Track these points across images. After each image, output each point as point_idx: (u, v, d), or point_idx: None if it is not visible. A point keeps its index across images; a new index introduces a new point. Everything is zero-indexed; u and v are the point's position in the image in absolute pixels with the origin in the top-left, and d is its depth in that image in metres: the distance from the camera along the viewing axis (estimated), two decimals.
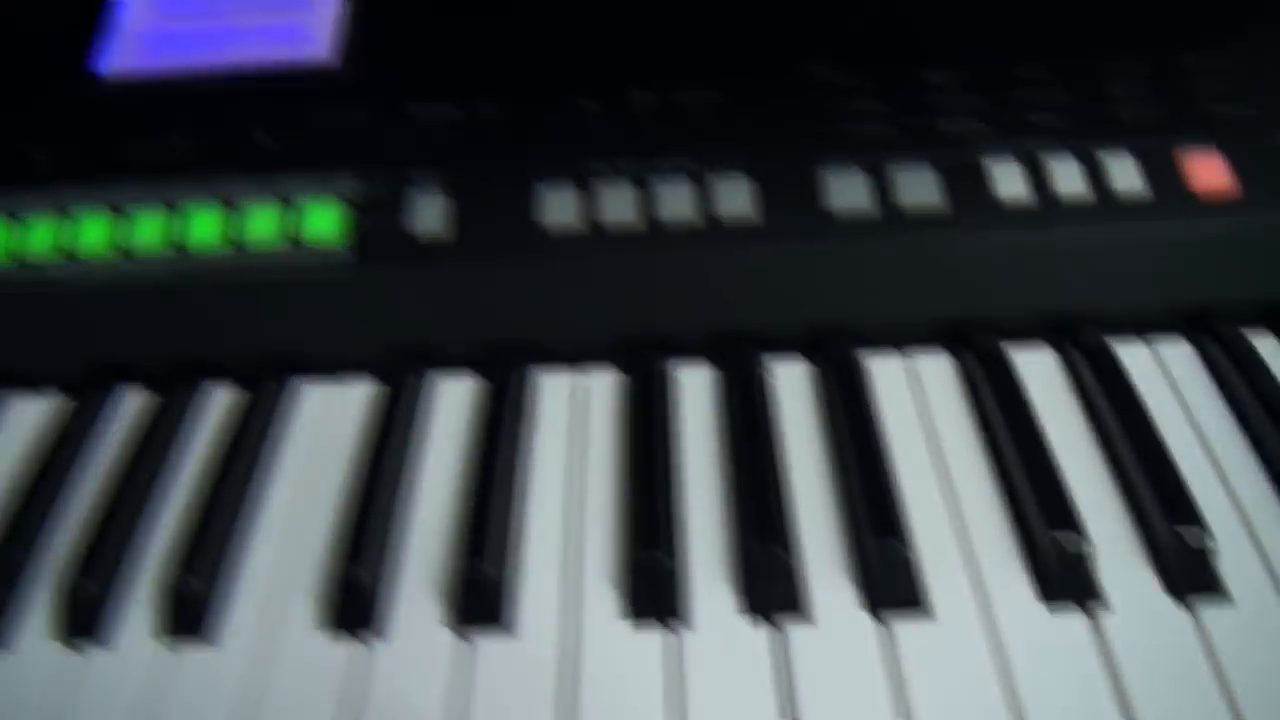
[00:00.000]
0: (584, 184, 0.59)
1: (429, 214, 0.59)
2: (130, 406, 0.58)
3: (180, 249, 0.60)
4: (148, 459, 0.55)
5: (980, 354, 0.55)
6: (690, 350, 0.57)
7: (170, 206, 0.61)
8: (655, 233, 0.58)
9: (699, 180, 0.59)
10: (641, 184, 0.59)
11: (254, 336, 0.59)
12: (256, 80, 0.68)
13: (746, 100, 0.62)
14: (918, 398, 0.55)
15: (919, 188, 0.58)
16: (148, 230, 0.60)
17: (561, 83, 0.63)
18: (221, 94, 0.66)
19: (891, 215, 0.57)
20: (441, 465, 0.54)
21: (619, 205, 0.58)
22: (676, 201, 0.58)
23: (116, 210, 0.61)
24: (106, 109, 0.65)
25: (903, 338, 0.57)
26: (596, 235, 0.58)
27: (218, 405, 0.58)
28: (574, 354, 0.58)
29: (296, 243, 0.59)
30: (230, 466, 0.53)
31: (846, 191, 0.58)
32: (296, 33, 0.71)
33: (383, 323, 0.58)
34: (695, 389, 0.56)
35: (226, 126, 0.64)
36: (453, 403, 0.57)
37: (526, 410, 0.55)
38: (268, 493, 0.53)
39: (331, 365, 0.59)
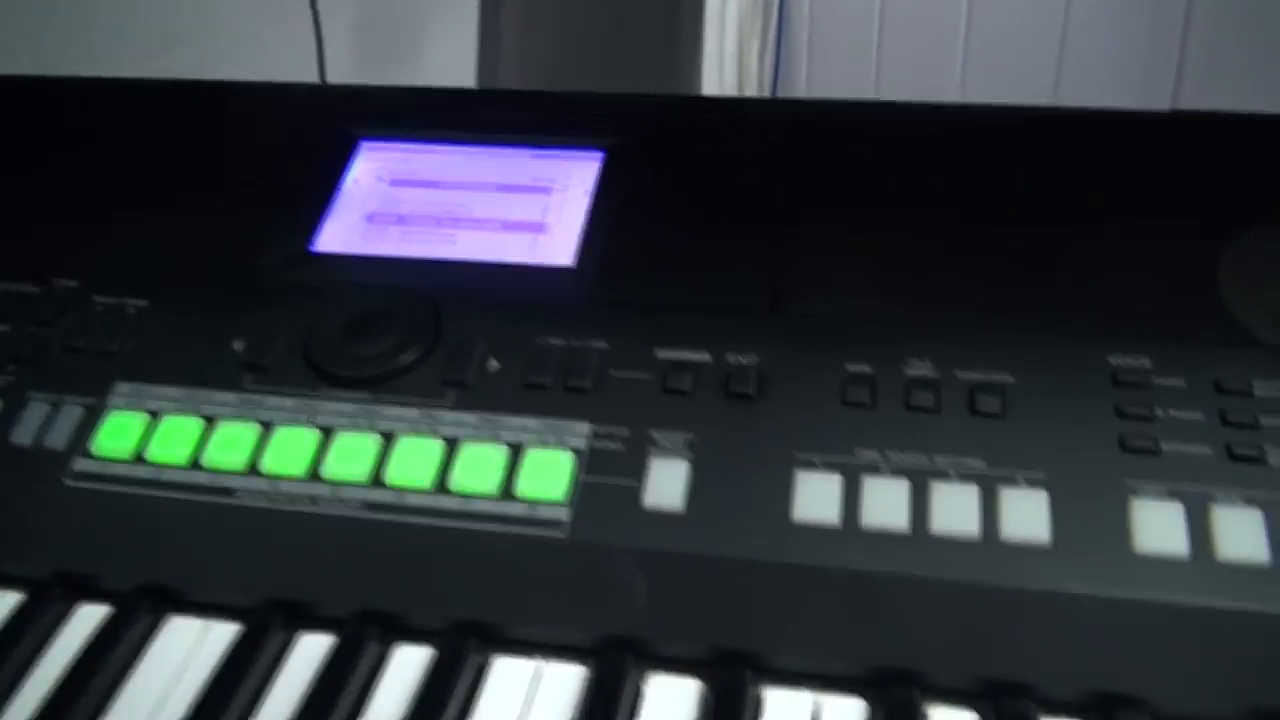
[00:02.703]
0: (852, 476, 0.51)
1: (665, 481, 0.51)
2: (302, 653, 0.51)
3: (380, 483, 0.53)
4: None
5: None
6: (945, 695, 0.48)
7: (379, 431, 0.55)
8: (923, 542, 0.49)
9: (986, 487, 0.50)
10: (915, 482, 0.50)
11: (450, 595, 0.51)
12: (486, 279, 0.62)
13: (1042, 388, 0.53)
14: None
15: (1241, 535, 0.48)
16: (349, 456, 0.54)
17: (832, 339, 0.55)
18: (448, 293, 0.59)
19: (1206, 566, 0.48)
20: None
21: (888, 506, 0.50)
22: (955, 508, 0.50)
23: (318, 425, 0.55)
24: (321, 303, 0.59)
25: None
26: (853, 537, 0.49)
27: (402, 664, 0.51)
28: (807, 677, 0.49)
29: (510, 495, 0.52)
30: None
31: (1157, 527, 0.49)
32: (536, 229, 0.65)
33: (596, 603, 0.50)
34: None
35: (452, 339, 0.57)
36: (665, 708, 0.49)
37: None
38: None
39: (533, 645, 0.51)
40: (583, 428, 0.54)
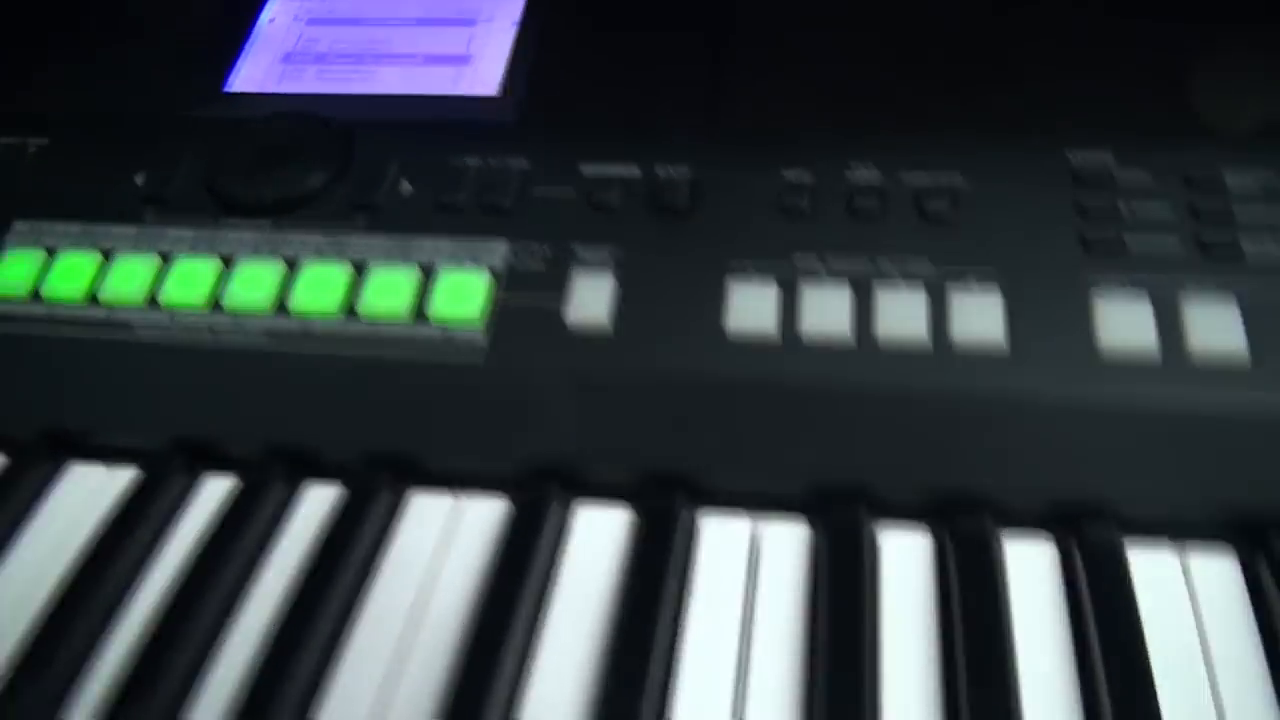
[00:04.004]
0: (787, 283, 0.47)
1: (589, 297, 0.47)
2: (210, 495, 0.47)
3: (284, 311, 0.49)
4: (221, 562, 0.44)
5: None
6: (897, 512, 0.44)
7: (282, 258, 0.51)
8: (869, 351, 0.45)
9: (933, 289, 0.46)
10: (859, 288, 0.46)
11: (362, 428, 0.47)
12: (407, 111, 0.57)
13: (996, 189, 0.49)
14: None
15: (1215, 327, 0.44)
16: (251, 284, 0.50)
17: (769, 149, 0.51)
18: (365, 125, 0.55)
19: (1176, 359, 0.44)
20: (572, 626, 0.42)
21: (828, 313, 0.46)
22: (900, 313, 0.45)
23: (220, 256, 0.51)
24: (228, 135, 0.55)
25: (1180, 528, 0.43)
26: (792, 349, 0.45)
27: (311, 507, 0.47)
28: (747, 498, 0.45)
29: (423, 317, 0.48)
30: (318, 582, 0.42)
31: (1123, 323, 0.44)
32: (460, 62, 0.60)
33: (517, 428, 0.46)
34: (899, 561, 0.43)
35: (364, 164, 0.53)
36: (594, 540, 0.45)
37: (686, 561, 0.43)
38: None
39: (451, 477, 0.47)
40: (499, 246, 0.50)
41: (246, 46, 0.63)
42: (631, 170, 0.51)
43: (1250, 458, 0.42)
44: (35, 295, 0.51)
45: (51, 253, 0.53)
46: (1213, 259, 0.46)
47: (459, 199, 0.51)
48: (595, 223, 0.50)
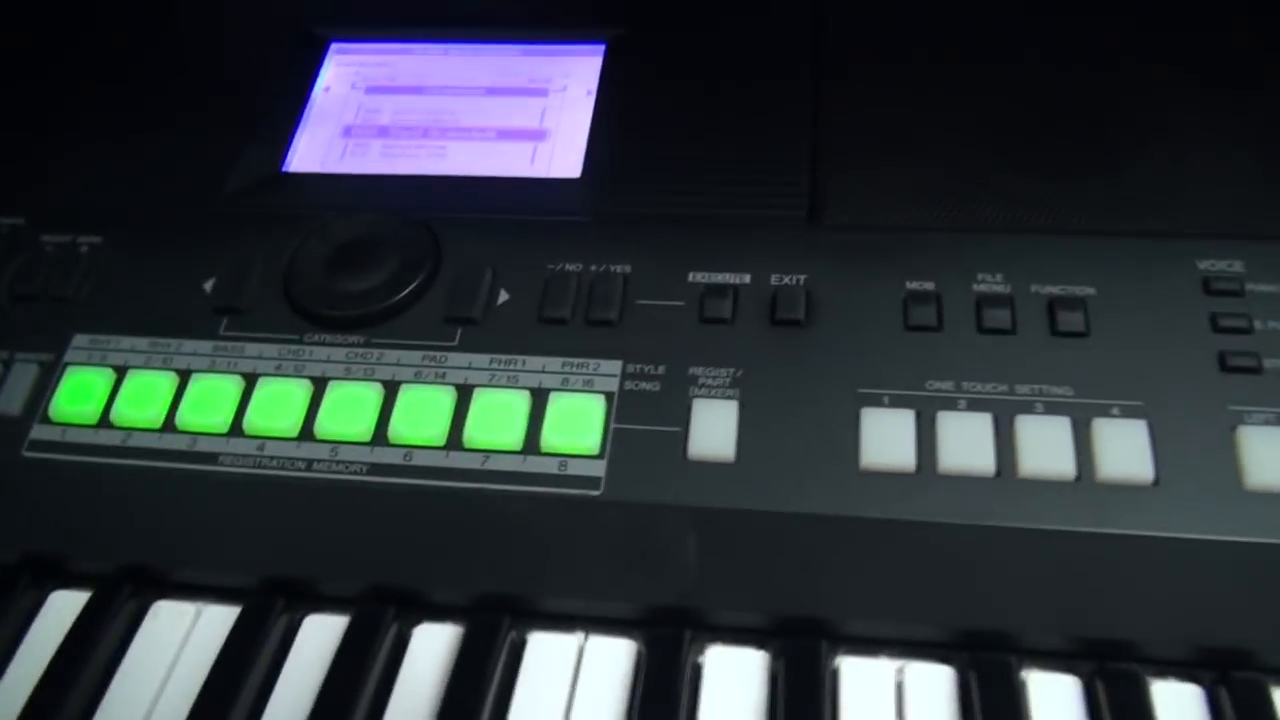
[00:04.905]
0: (926, 412, 0.45)
1: (713, 426, 0.45)
2: (315, 638, 0.45)
3: (384, 441, 0.46)
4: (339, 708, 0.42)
5: None
6: (1042, 656, 0.42)
7: (378, 380, 0.48)
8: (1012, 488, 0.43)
9: (1078, 418, 0.44)
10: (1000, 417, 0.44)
11: (471, 566, 0.45)
12: (483, 195, 0.54)
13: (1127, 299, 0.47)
14: None
15: None
16: (347, 411, 0.47)
17: (885, 253, 0.49)
18: (446, 218, 0.52)
19: None
20: None
21: (968, 446, 0.44)
22: (1046, 445, 0.44)
23: (308, 378, 0.48)
24: (300, 233, 0.52)
25: None
26: (933, 485, 0.44)
27: (427, 646, 0.45)
28: (886, 644, 0.43)
29: (536, 449, 0.46)
30: None
31: (1269, 459, 0.43)
32: (536, 137, 0.57)
33: (638, 566, 0.44)
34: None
35: (454, 268, 0.50)
36: (728, 681, 0.43)
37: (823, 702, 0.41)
38: None
39: (568, 615, 0.45)
40: (612, 367, 0.47)
41: (302, 120, 0.59)
42: (743, 278, 0.49)
43: None
44: (105, 421, 0.48)
45: (120, 372, 0.49)
46: None
47: (562, 313, 0.48)
48: (709, 339, 0.47)
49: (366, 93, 0.60)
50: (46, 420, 0.49)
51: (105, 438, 0.48)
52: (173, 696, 0.44)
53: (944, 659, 0.43)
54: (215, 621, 0.46)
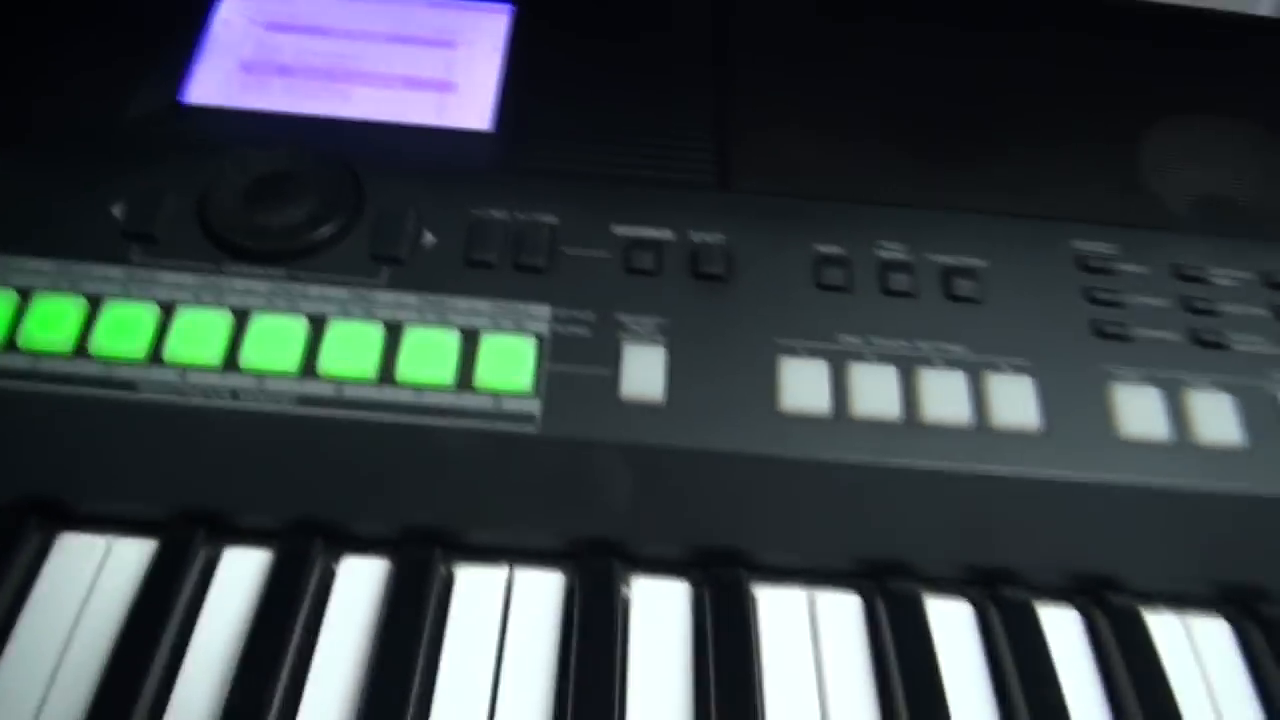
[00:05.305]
0: (838, 363, 0.48)
1: (643, 369, 0.47)
2: (237, 572, 0.44)
3: (314, 374, 0.46)
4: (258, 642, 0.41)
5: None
6: (945, 586, 0.47)
7: (303, 314, 0.48)
8: (917, 432, 0.47)
9: (972, 373, 0.48)
10: (905, 370, 0.48)
11: (402, 498, 0.45)
12: (392, 141, 0.55)
13: (1013, 273, 0.51)
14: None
15: (1217, 417, 0.49)
16: (273, 341, 0.46)
17: (794, 217, 0.52)
18: (361, 158, 0.52)
19: (1187, 449, 0.48)
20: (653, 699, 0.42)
21: (877, 394, 0.47)
22: (946, 395, 0.48)
23: (229, 307, 0.47)
24: (212, 162, 0.51)
25: (1179, 598, 0.47)
26: (846, 428, 0.47)
27: (354, 581, 0.45)
28: (799, 573, 0.46)
29: (469, 386, 0.46)
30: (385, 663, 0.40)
31: (1139, 412, 0.48)
32: (444, 89, 0.58)
33: (570, 500, 0.46)
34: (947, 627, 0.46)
35: (377, 209, 0.50)
36: (654, 612, 0.45)
37: (749, 632, 0.44)
38: None
39: (497, 549, 0.46)
40: (541, 310, 0.48)
41: (199, 51, 0.58)
42: (664, 233, 0.51)
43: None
44: (11, 344, 0.46)
45: (24, 294, 0.47)
46: (1207, 352, 0.50)
47: (490, 256, 0.49)
48: (636, 288, 0.49)
49: (265, 29, 0.59)
50: None
51: (13, 362, 0.46)
52: (86, 634, 0.43)
53: (853, 588, 0.46)
54: (129, 555, 0.45)
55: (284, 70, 0.58)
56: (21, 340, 0.46)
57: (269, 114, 0.56)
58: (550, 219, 0.51)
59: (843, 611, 0.46)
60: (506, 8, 0.61)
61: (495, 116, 0.57)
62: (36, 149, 0.51)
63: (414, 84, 0.58)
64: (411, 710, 0.40)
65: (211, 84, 0.57)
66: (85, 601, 0.43)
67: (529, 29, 0.60)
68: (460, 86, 0.58)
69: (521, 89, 0.58)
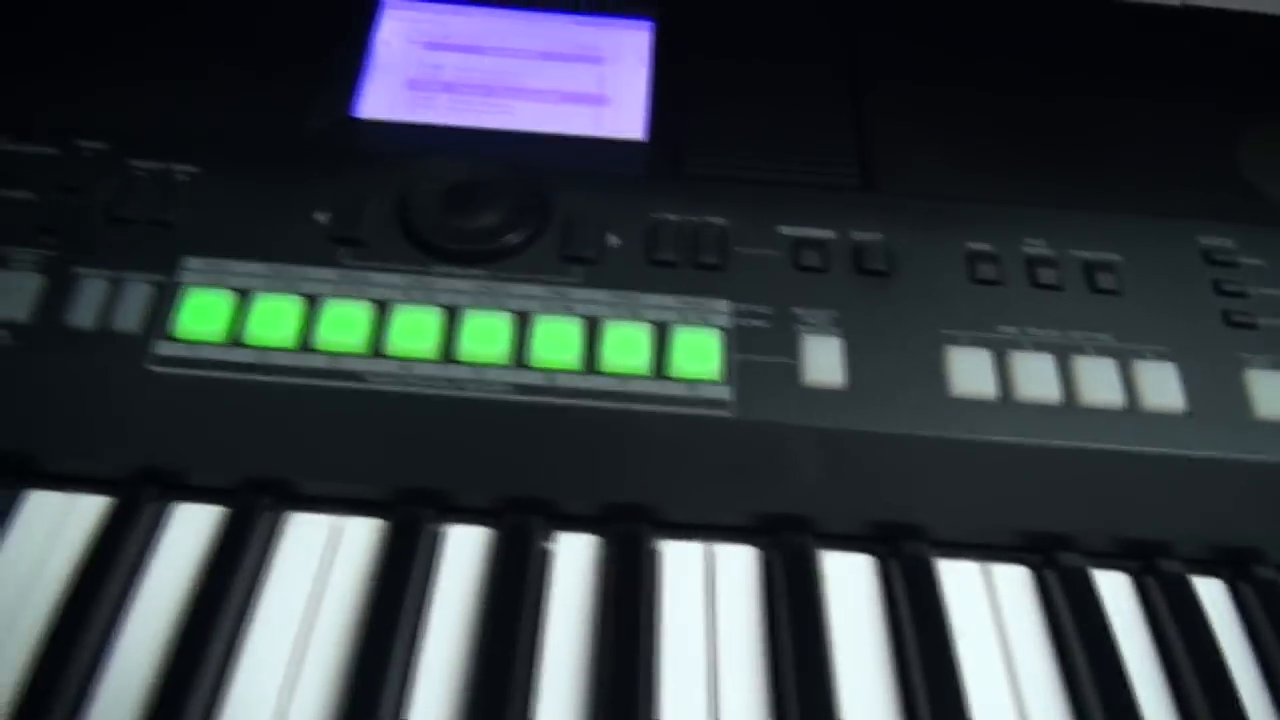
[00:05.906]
0: (999, 351, 0.52)
1: (823, 357, 0.51)
2: (458, 549, 0.48)
3: (524, 364, 0.50)
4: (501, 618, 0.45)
5: None
6: (1097, 555, 0.50)
7: (509, 310, 0.51)
8: (1076, 414, 0.51)
9: (1121, 359, 0.52)
10: (1061, 357, 0.52)
11: (603, 479, 0.49)
12: (554, 152, 0.59)
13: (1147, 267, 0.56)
14: None
15: None
16: (483, 335, 0.50)
17: (948, 223, 0.56)
18: (541, 169, 0.56)
19: None
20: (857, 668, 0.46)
21: (1038, 379, 0.52)
22: (1099, 380, 0.52)
23: (440, 306, 0.51)
24: (409, 173, 0.55)
25: None
26: (1011, 411, 0.51)
27: (567, 557, 0.48)
28: (969, 547, 0.50)
29: (664, 374, 0.50)
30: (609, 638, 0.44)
31: (1275, 395, 0.53)
32: (597, 102, 0.62)
33: (761, 479, 0.50)
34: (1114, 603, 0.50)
35: (565, 214, 0.54)
36: (845, 584, 0.49)
37: (937, 601, 0.48)
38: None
39: (693, 527, 0.49)
40: (722, 305, 0.52)
41: (366, 68, 0.61)
42: (827, 232, 0.55)
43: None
44: (235, 340, 0.50)
45: (243, 294, 0.51)
46: None
47: (671, 256, 0.53)
48: (807, 284, 0.53)
49: (424, 48, 0.63)
50: (169, 337, 0.49)
51: (237, 355, 0.49)
52: (333, 609, 0.46)
53: (1021, 562, 0.50)
54: (359, 535, 0.48)
55: (448, 86, 0.62)
56: (247, 337, 0.49)
57: (439, 126, 0.60)
58: (720, 221, 0.55)
59: (1016, 584, 0.50)
60: (647, 24, 0.65)
61: (647, 127, 0.60)
62: (234, 158, 0.54)
63: (569, 98, 0.62)
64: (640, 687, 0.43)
65: (381, 99, 0.60)
66: (320, 579, 0.47)
67: (669, 43, 0.64)
68: (612, 99, 0.62)
69: (669, 100, 0.61)
